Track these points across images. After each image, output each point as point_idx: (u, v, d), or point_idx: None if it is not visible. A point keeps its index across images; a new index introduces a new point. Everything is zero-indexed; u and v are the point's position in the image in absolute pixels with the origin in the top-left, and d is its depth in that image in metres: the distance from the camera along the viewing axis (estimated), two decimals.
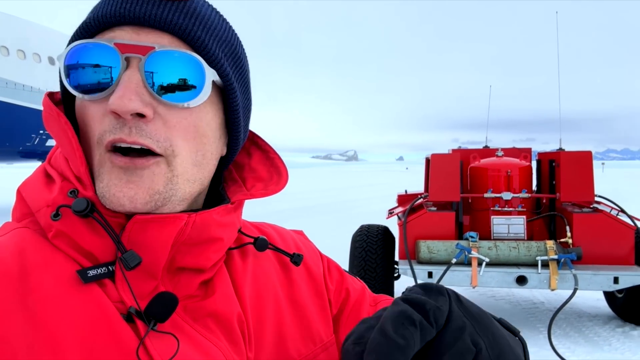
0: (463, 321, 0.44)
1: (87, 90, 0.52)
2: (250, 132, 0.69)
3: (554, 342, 4.11)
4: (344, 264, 5.20)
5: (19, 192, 0.59)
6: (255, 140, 0.71)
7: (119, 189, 0.51)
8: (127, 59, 0.51)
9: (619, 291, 4.73)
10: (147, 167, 0.52)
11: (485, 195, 4.96)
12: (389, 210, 5.79)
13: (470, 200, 5.21)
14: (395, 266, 5.04)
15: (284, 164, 0.68)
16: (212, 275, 0.60)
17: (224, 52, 0.58)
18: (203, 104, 0.55)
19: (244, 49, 0.63)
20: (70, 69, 0.53)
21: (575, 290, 4.14)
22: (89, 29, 0.54)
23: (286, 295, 0.68)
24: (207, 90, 0.55)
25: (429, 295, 0.45)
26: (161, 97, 0.52)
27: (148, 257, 0.53)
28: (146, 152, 0.53)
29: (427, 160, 5.43)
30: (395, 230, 5.16)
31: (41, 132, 14.38)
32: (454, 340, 0.43)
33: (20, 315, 0.47)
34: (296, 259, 0.69)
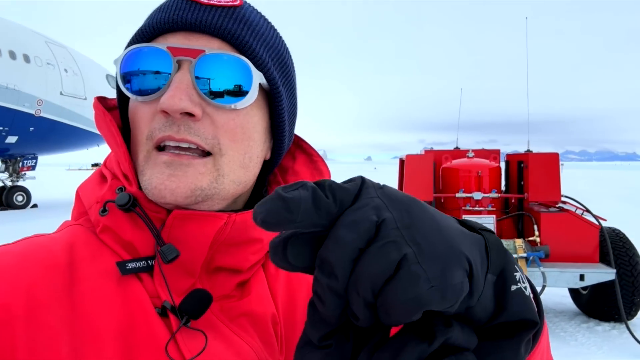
0: (375, 200, 0.33)
1: (140, 91, 0.54)
2: (296, 136, 0.70)
3: None
4: None
5: (77, 192, 0.61)
6: (300, 144, 0.71)
7: (161, 181, 0.52)
8: (179, 62, 0.53)
9: (584, 288, 4.91)
10: (193, 164, 0.53)
11: (457, 195, 5.08)
12: None
13: (442, 200, 5.32)
14: None
15: (326, 166, 0.69)
16: (249, 277, 0.60)
17: (271, 57, 0.59)
18: (250, 107, 0.57)
19: (291, 56, 0.64)
20: (126, 71, 0.55)
21: (543, 287, 4.28)
22: (144, 35, 0.56)
23: None
24: (254, 92, 0.56)
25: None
26: (210, 98, 0.53)
27: (187, 254, 0.53)
28: (194, 152, 0.54)
29: (402, 161, 5.51)
30: None
31: (0, 128, 13.82)
32: (352, 212, 0.32)
33: (65, 304, 0.50)
34: None
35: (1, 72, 13.45)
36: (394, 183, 6.32)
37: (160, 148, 0.54)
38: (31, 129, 14.50)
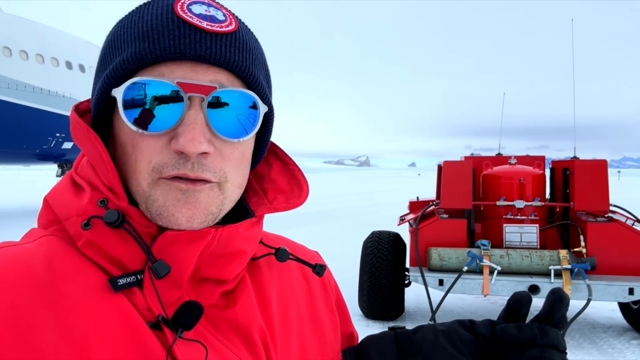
0: None
1: (146, 125, 0.53)
2: (270, 141, 0.70)
3: (568, 354, 4.05)
4: (355, 270, 5.20)
5: (45, 200, 0.61)
6: (275, 150, 0.71)
7: (178, 209, 0.54)
8: (190, 98, 0.53)
9: (635, 302, 4.65)
10: (204, 190, 0.55)
11: (498, 203, 4.92)
12: (401, 216, 5.77)
13: (482, 208, 5.17)
14: (406, 273, 5.01)
15: (304, 176, 0.70)
16: (233, 287, 0.62)
17: (266, 81, 0.61)
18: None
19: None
20: (129, 104, 0.54)
21: (588, 300, 4.08)
22: (143, 62, 0.54)
23: (307, 308, 0.70)
24: (259, 125, 0.58)
25: None
26: (221, 134, 0.55)
27: (175, 268, 0.55)
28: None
29: (439, 167, 5.41)
30: (406, 237, 5.14)
31: (57, 134, 14.61)
32: None
33: (50, 322, 0.49)
34: (319, 270, 0.71)
35: (58, 81, 14.25)
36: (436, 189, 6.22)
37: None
38: None
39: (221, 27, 0.55)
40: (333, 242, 9.88)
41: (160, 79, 0.53)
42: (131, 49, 0.54)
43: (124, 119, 0.54)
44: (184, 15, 0.54)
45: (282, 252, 0.67)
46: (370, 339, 0.71)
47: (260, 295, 0.64)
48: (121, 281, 0.53)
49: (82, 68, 15.33)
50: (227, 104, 0.55)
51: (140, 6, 0.58)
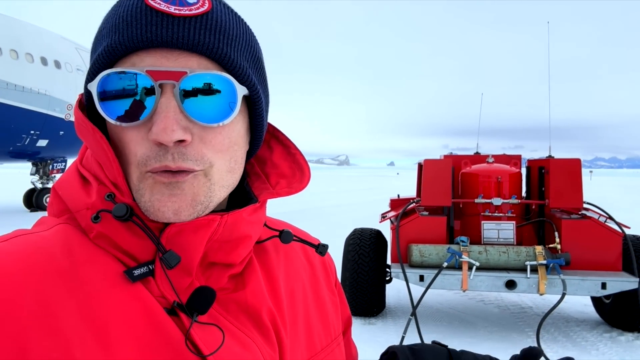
0: None
1: (123, 118, 0.54)
2: (271, 125, 0.70)
3: (542, 346, 4.18)
4: (337, 267, 5.23)
5: (54, 189, 0.62)
6: (276, 134, 0.71)
7: (163, 203, 0.54)
8: (161, 85, 0.53)
9: (607, 297, 4.81)
10: (188, 180, 0.54)
11: (476, 200, 5.03)
12: (382, 214, 5.84)
13: (461, 206, 5.27)
14: (388, 269, 5.09)
15: (305, 160, 0.70)
16: (241, 269, 0.64)
17: (248, 62, 0.59)
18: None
19: (257, 42, 0.63)
20: (104, 97, 0.54)
21: (563, 295, 4.21)
22: (115, 54, 0.54)
23: (311, 288, 0.72)
24: (238, 107, 0.57)
25: None
26: (197, 120, 0.54)
27: (184, 256, 0.56)
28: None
29: (420, 166, 5.50)
30: (387, 234, 5.21)
31: (32, 132, 14.28)
32: None
33: (72, 308, 0.50)
34: (321, 250, 0.73)
35: (33, 78, 13.92)
36: (415, 188, 6.31)
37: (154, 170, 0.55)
38: (61, 132, 14.95)
39: (190, 9, 0.54)
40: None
41: (127, 69, 0.53)
42: (105, 43, 0.55)
43: (102, 113, 0.54)
44: (152, 2, 0.53)
45: (286, 234, 0.68)
46: (422, 345, 0.74)
47: (268, 277, 0.66)
48: (136, 272, 0.54)
49: (57, 64, 15.00)
50: (201, 89, 0.53)
51: (116, 3, 0.58)
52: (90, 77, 0.56)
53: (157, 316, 0.53)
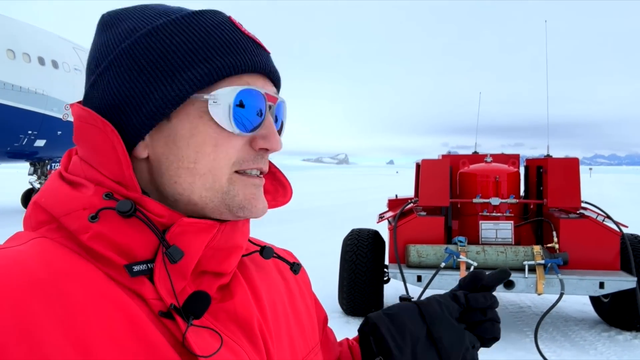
0: None
1: (244, 127, 0.61)
2: None
3: (541, 346, 4.16)
4: (335, 267, 5.24)
5: (35, 202, 0.60)
6: None
7: (256, 201, 0.63)
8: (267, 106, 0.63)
9: (605, 296, 4.81)
10: (262, 185, 0.65)
11: (474, 200, 5.01)
12: (380, 214, 5.83)
13: (459, 206, 5.26)
14: (385, 270, 5.08)
15: (286, 177, 0.76)
16: (228, 280, 0.65)
17: None
18: None
19: None
20: (236, 107, 0.60)
21: (561, 294, 4.20)
22: (233, 71, 0.61)
23: (288, 301, 0.74)
24: (283, 134, 0.69)
25: None
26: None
27: (183, 257, 0.57)
28: None
29: (417, 166, 5.48)
30: (385, 235, 5.20)
31: (29, 132, 14.25)
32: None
33: (52, 322, 0.49)
34: (296, 268, 0.77)
35: (31, 78, 13.89)
36: (413, 187, 6.30)
37: (240, 172, 0.62)
38: (59, 132, 14.91)
39: (265, 47, 0.66)
40: (313, 240, 9.90)
41: (256, 89, 0.61)
42: (224, 59, 0.60)
43: (226, 119, 0.59)
44: (247, 31, 0.64)
45: (267, 250, 0.71)
46: (394, 308, 0.82)
47: (252, 289, 0.67)
48: (136, 268, 0.55)
49: (55, 64, 14.97)
50: (282, 114, 0.68)
51: (194, 15, 0.61)
52: (197, 84, 0.59)
53: (144, 326, 0.53)
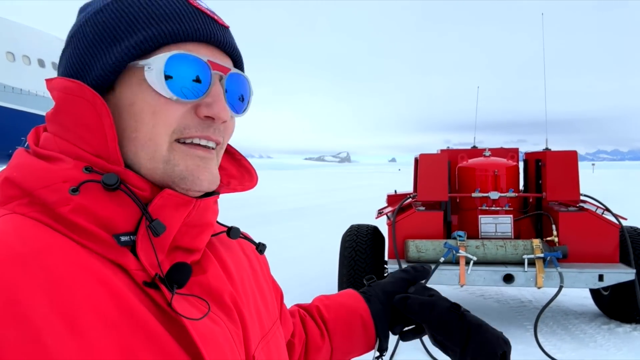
0: None
1: (181, 93, 0.60)
2: None
3: (541, 339, 4.17)
4: (335, 264, 5.24)
5: (6, 178, 0.58)
6: None
7: (201, 173, 0.62)
8: (213, 75, 0.62)
9: (605, 289, 4.80)
10: (212, 158, 0.65)
11: (473, 194, 5.01)
12: (379, 210, 5.83)
13: (458, 200, 5.26)
14: (385, 265, 5.07)
15: (250, 163, 0.78)
16: (199, 257, 0.66)
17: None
18: None
19: None
20: (167, 72, 0.59)
21: (560, 287, 4.20)
22: (174, 39, 0.61)
23: (253, 277, 0.77)
24: (249, 106, 0.70)
25: None
26: (230, 109, 0.65)
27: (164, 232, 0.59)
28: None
29: (416, 160, 5.48)
30: (384, 230, 5.20)
31: None
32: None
33: (38, 295, 0.49)
34: (261, 248, 0.79)
35: (31, 80, 13.94)
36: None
37: (181, 141, 0.61)
38: None
39: (224, 23, 0.66)
40: (315, 237, 9.91)
41: (196, 55, 0.60)
42: (161, 27, 0.60)
43: (160, 85, 0.59)
44: (200, 5, 0.63)
45: (235, 230, 0.74)
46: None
47: (222, 265, 0.69)
48: (123, 238, 0.56)
49: (55, 66, 15.01)
50: (235, 84, 0.66)
51: None
52: (135, 52, 0.60)
53: (126, 297, 0.53)
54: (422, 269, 0.97)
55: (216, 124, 0.63)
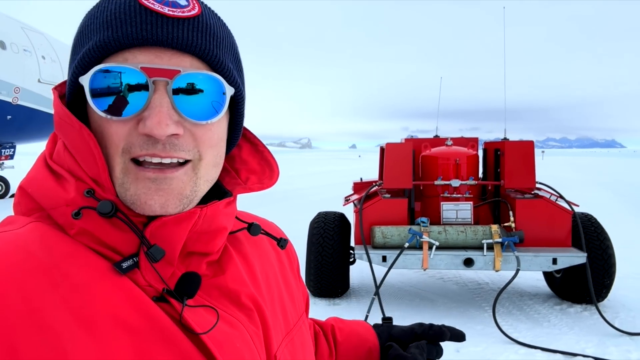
0: None
1: (114, 111, 0.55)
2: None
3: (498, 320, 4.39)
4: (302, 250, 5.30)
5: (22, 188, 0.61)
6: (244, 132, 0.74)
7: (150, 197, 0.56)
8: (155, 82, 0.55)
9: (557, 271, 5.08)
10: (176, 176, 0.57)
11: (436, 182, 5.17)
12: (345, 197, 5.93)
13: (421, 188, 5.41)
14: (351, 251, 5.18)
15: (273, 157, 0.73)
16: (218, 257, 0.66)
17: (232, 63, 0.62)
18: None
19: (237, 44, 0.67)
20: (96, 91, 0.55)
21: (517, 271, 4.42)
22: (107, 49, 0.55)
23: (280, 273, 0.77)
24: (226, 106, 0.60)
25: None
26: (188, 117, 0.56)
27: (167, 248, 0.58)
28: (174, 164, 0.57)
29: (382, 149, 5.59)
30: (351, 217, 5.30)
31: None
32: None
33: (58, 302, 0.50)
34: (282, 243, 0.78)
35: None
36: (376, 170, 6.41)
37: (137, 162, 0.56)
38: (9, 117, 14.21)
39: (183, 12, 0.56)
40: (280, 224, 9.91)
41: (123, 64, 0.54)
42: (96, 38, 0.55)
43: (92, 105, 0.55)
44: (146, 2, 0.55)
45: (254, 227, 0.72)
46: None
47: (245, 263, 0.69)
48: (125, 264, 0.55)
49: (2, 45, 14.20)
50: (192, 87, 0.56)
51: (103, 1, 0.59)
52: (80, 70, 0.56)
53: (145, 304, 0.54)
54: (439, 331, 0.89)
55: (163, 140, 0.55)
